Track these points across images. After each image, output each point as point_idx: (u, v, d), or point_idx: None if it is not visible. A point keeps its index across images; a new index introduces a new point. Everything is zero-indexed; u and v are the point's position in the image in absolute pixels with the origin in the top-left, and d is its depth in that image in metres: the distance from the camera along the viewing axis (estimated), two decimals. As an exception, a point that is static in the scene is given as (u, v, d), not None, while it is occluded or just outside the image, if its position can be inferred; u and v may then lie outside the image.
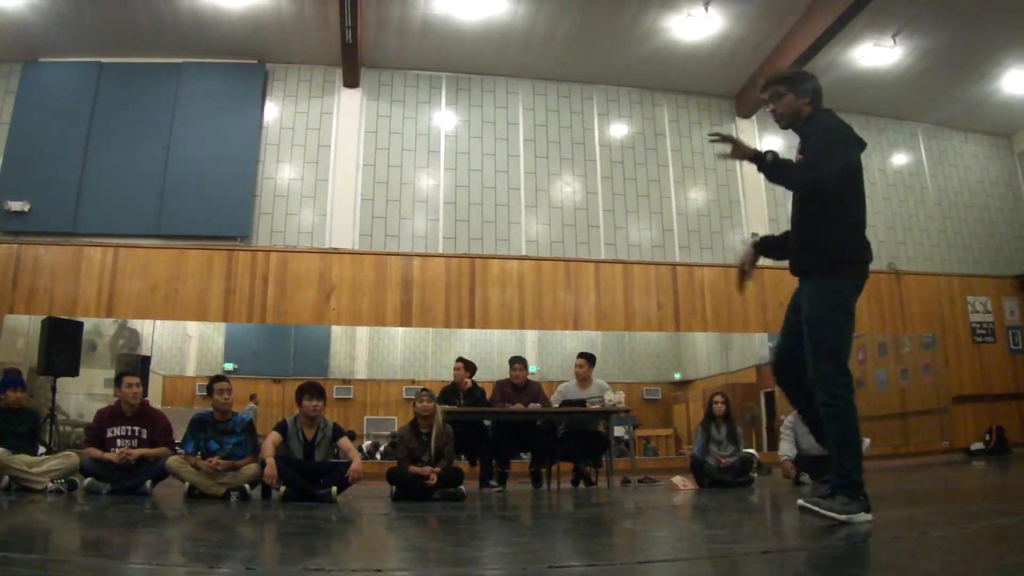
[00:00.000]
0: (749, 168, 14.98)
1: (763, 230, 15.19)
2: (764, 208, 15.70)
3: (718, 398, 9.96)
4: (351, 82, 14.69)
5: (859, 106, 16.59)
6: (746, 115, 16.18)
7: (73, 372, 12.21)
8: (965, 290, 15.87)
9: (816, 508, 4.08)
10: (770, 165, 4.45)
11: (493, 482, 9.58)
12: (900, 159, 17.01)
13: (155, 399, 15.71)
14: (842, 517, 4.00)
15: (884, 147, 16.86)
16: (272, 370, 20.66)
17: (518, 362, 10.35)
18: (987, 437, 14.77)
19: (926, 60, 14.73)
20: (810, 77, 4.74)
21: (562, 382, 10.69)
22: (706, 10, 13.34)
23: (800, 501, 4.18)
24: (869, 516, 4.10)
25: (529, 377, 10.50)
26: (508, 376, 10.28)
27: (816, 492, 4.39)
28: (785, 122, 4.73)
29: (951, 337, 15.47)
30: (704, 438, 9.74)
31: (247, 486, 7.43)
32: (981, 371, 15.51)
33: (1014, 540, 3.54)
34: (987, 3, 13.10)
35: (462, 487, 7.84)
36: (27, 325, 13.68)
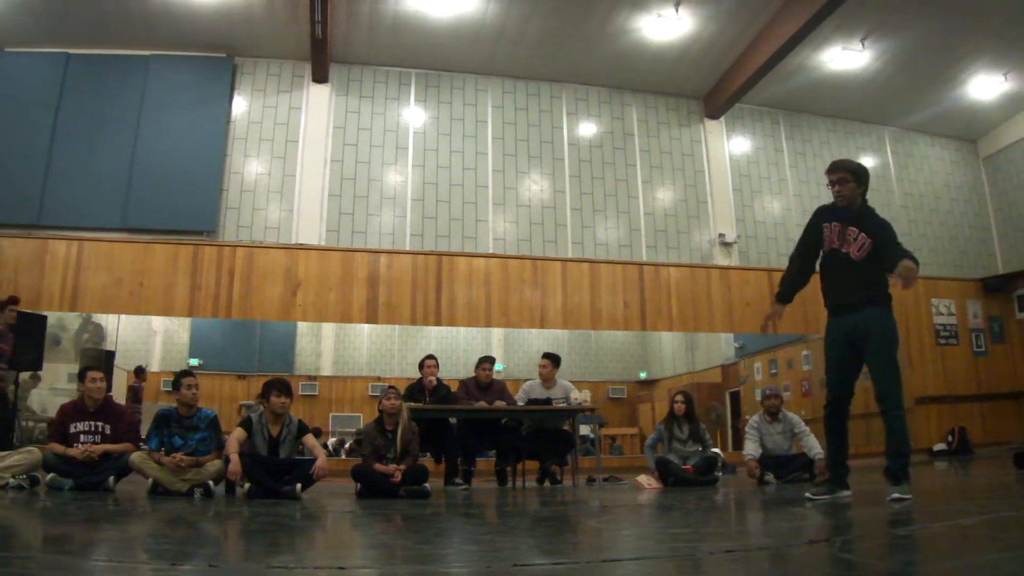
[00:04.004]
0: (716, 169, 15.18)
1: (730, 231, 15.37)
2: (731, 209, 15.81)
3: (679, 397, 9.99)
4: (320, 77, 14.64)
5: (827, 109, 16.78)
6: (714, 116, 16.29)
7: (36, 366, 12.10)
8: (929, 292, 16.07)
9: (903, 496, 5.28)
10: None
11: (458, 480, 9.57)
12: (867, 162, 16.94)
13: (119, 394, 15.58)
14: (909, 495, 5.30)
15: (851, 150, 17.01)
16: (237, 366, 20.58)
17: (487, 361, 10.34)
18: (950, 438, 14.93)
19: (894, 64, 14.91)
20: (867, 170, 6.16)
21: (527, 380, 10.69)
22: (676, 11, 13.41)
23: (890, 495, 5.34)
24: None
25: (495, 375, 10.51)
26: (475, 374, 10.28)
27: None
28: (844, 202, 6.02)
29: (915, 339, 15.64)
30: (666, 435, 9.78)
31: (211, 482, 7.37)
32: (944, 373, 15.71)
33: (975, 540, 3.59)
34: (954, 10, 13.27)
35: (427, 485, 7.83)
36: (-11, 318, 13.53)
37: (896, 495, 5.30)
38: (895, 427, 5.60)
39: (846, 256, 5.95)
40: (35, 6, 13.09)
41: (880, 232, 5.90)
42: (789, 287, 6.42)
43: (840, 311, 6.01)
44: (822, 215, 6.23)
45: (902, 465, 5.50)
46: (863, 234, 5.91)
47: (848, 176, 6.00)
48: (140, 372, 15.68)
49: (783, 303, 6.41)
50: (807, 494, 5.89)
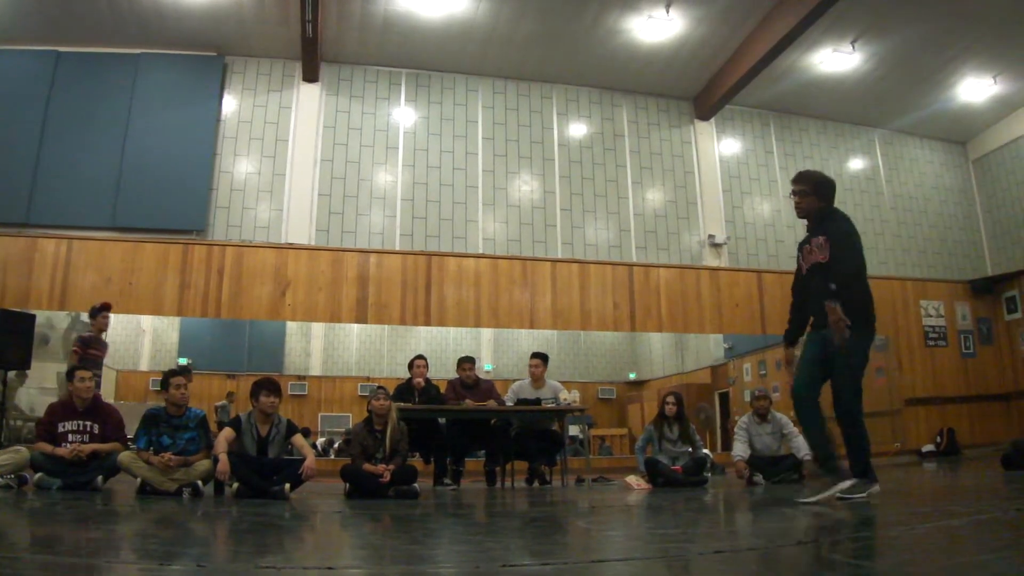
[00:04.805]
0: (706, 170, 15.15)
1: (719, 232, 15.38)
2: (720, 210, 15.82)
3: (670, 399, 10.03)
4: (310, 76, 14.61)
5: (817, 111, 16.78)
6: (704, 117, 16.29)
7: (24, 365, 12.05)
8: (918, 294, 16.13)
9: (849, 496, 5.53)
10: (841, 300, 5.64)
11: (447, 480, 9.59)
12: (857, 164, 17.22)
13: (108, 394, 15.53)
14: (865, 494, 5.53)
15: (841, 152, 17.07)
16: (226, 365, 20.51)
17: (467, 361, 10.34)
18: (938, 439, 14.99)
19: (884, 67, 14.94)
20: (830, 184, 6.19)
21: (517, 380, 10.69)
22: (667, 12, 13.41)
23: (837, 496, 5.58)
24: (878, 486, 5.66)
25: (484, 375, 10.52)
26: (457, 375, 10.29)
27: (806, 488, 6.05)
28: (802, 214, 6.23)
29: (904, 340, 15.69)
30: (656, 436, 9.81)
31: (200, 482, 7.37)
32: (933, 374, 15.77)
33: (963, 541, 3.60)
34: (945, 13, 13.30)
35: (416, 485, 7.84)
36: (-23, 317, 13.46)
37: (839, 495, 5.62)
38: (852, 440, 5.77)
39: (818, 264, 6.00)
40: (24, 3, 13.02)
41: (833, 235, 5.95)
42: (795, 324, 6.40)
43: (819, 326, 5.98)
44: (800, 245, 6.35)
45: (860, 464, 5.73)
46: (824, 237, 5.99)
47: (807, 189, 6.12)
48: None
49: (791, 345, 6.40)
50: (800, 499, 5.89)
